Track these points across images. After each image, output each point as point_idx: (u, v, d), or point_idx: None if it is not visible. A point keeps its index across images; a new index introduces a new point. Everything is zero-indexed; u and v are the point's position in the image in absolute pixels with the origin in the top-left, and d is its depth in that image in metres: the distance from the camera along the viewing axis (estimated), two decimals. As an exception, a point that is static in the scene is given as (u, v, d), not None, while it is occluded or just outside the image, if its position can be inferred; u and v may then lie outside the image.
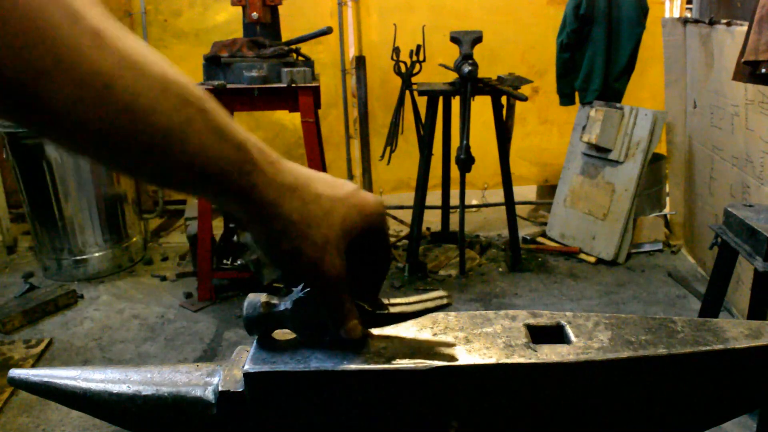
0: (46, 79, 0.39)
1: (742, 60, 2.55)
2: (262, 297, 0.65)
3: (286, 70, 3.34)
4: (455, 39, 3.76)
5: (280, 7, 3.58)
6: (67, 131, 0.42)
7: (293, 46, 3.54)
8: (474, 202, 5.19)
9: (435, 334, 0.67)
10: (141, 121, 0.43)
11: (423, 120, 4.16)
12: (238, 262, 3.72)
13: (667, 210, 4.46)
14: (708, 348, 0.63)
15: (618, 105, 4.10)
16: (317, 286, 0.58)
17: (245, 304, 0.65)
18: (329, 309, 0.61)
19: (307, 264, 0.56)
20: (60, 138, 0.43)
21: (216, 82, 3.31)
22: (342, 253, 0.57)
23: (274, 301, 0.65)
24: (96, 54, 0.41)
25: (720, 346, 0.64)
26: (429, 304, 0.65)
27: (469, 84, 3.63)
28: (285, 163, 0.55)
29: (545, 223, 4.63)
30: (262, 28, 3.53)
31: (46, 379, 0.67)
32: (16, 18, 0.37)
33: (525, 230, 4.60)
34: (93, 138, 0.43)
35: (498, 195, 4.65)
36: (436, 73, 4.18)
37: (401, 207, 4.86)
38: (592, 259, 4.14)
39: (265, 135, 4.66)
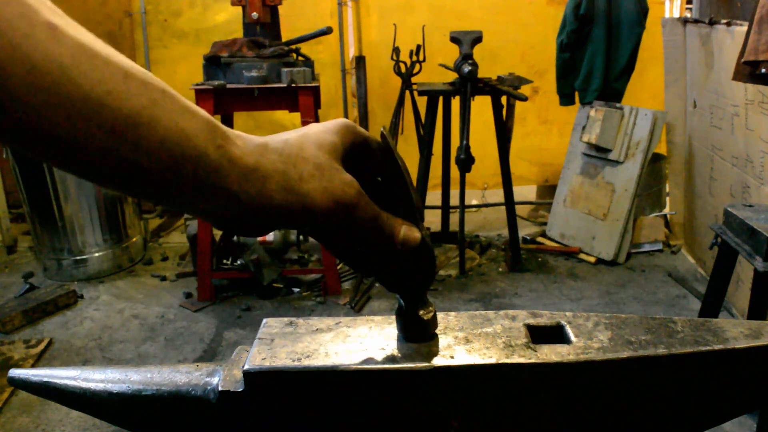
0: (2, 68, 0.38)
1: (742, 60, 2.55)
2: None
3: (286, 70, 3.34)
4: (455, 39, 3.76)
5: (280, 7, 3.58)
6: (23, 127, 0.41)
7: (293, 46, 3.55)
8: (474, 202, 5.19)
9: (437, 333, 0.67)
10: (104, 107, 0.42)
11: (423, 120, 4.16)
12: (238, 262, 3.72)
13: (667, 210, 4.46)
14: (708, 348, 0.63)
15: (618, 105, 4.11)
16: (344, 215, 0.53)
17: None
18: (368, 231, 0.55)
19: (321, 199, 0.51)
20: (16, 136, 0.42)
21: (216, 82, 3.31)
22: (343, 170, 0.53)
23: None
24: (51, 44, 0.40)
25: (720, 346, 0.64)
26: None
27: (469, 84, 3.63)
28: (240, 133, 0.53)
29: (545, 223, 4.63)
30: (262, 28, 3.53)
31: (46, 379, 0.67)
32: None
33: (525, 230, 4.60)
34: (53, 131, 0.41)
35: (498, 195, 4.65)
36: (436, 73, 4.19)
37: (401, 207, 4.85)
38: (592, 259, 4.14)
39: (265, 135, 4.67)
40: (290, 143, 0.53)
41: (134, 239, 4.24)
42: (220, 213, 0.50)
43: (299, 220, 0.52)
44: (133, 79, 0.44)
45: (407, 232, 0.58)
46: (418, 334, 0.65)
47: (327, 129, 0.55)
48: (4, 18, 0.38)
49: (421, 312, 0.65)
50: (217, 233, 3.94)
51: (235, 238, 3.88)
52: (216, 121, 0.49)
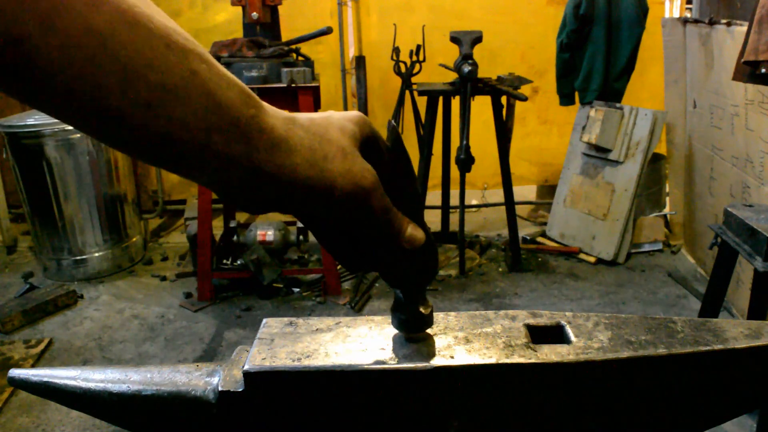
0: (32, 41, 0.36)
1: (742, 60, 2.55)
2: None
3: (286, 70, 3.34)
4: (455, 39, 3.76)
5: (280, 7, 3.58)
6: (57, 96, 0.39)
7: (293, 46, 3.54)
8: (474, 202, 5.19)
9: (435, 334, 0.67)
10: (141, 80, 0.40)
11: (423, 120, 4.16)
12: (238, 262, 3.72)
13: (667, 210, 4.46)
14: (708, 348, 0.63)
15: (618, 105, 4.11)
16: (361, 200, 0.53)
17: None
18: (379, 222, 0.55)
19: (342, 181, 0.52)
20: (50, 104, 0.40)
21: (216, 82, 3.30)
22: (362, 158, 0.54)
23: None
24: (90, 13, 0.38)
25: (720, 346, 0.64)
26: None
27: (469, 84, 3.63)
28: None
29: (545, 223, 4.63)
30: (262, 28, 3.53)
31: (46, 379, 0.67)
32: None
33: (525, 230, 4.60)
34: (86, 101, 0.40)
35: (498, 195, 4.65)
36: (436, 73, 4.19)
37: (401, 207, 4.85)
38: (592, 259, 4.14)
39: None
40: (316, 122, 0.53)
41: (134, 239, 4.24)
42: (237, 184, 0.49)
43: (316, 198, 0.52)
44: (174, 49, 0.42)
45: (413, 231, 0.59)
46: (414, 328, 0.65)
47: (348, 117, 0.56)
48: None
49: (420, 308, 0.65)
50: (217, 233, 3.94)
51: (235, 238, 3.88)
52: (249, 89, 0.49)
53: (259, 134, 0.48)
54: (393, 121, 0.61)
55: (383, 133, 0.60)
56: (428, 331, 0.68)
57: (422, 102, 4.03)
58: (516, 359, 0.61)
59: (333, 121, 0.54)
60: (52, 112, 0.41)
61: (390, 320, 0.69)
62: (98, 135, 0.44)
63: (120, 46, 0.39)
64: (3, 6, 0.35)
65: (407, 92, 4.36)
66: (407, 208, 0.60)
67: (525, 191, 5.20)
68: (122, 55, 0.39)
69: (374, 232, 0.57)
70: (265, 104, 0.50)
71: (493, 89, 3.76)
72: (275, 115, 0.50)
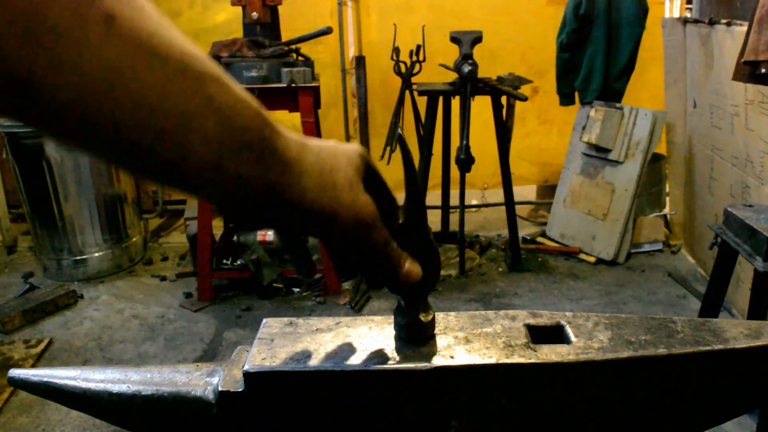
0: (41, 80, 0.35)
1: (742, 60, 2.55)
2: None
3: (286, 70, 3.34)
4: (455, 39, 3.76)
5: (280, 7, 3.58)
6: (68, 129, 0.38)
7: (293, 46, 3.54)
8: (474, 202, 5.19)
9: (435, 334, 0.67)
10: (155, 112, 0.39)
11: (423, 120, 4.16)
12: (238, 262, 3.72)
13: (667, 210, 4.46)
14: (708, 348, 0.63)
15: (618, 105, 4.11)
16: (362, 233, 0.53)
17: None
18: (377, 254, 0.56)
19: (345, 212, 0.51)
20: (60, 135, 0.39)
21: (216, 82, 3.30)
22: (365, 191, 0.54)
23: None
24: (105, 46, 0.36)
25: (720, 346, 0.64)
26: None
27: (468, 84, 3.63)
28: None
29: (545, 223, 4.63)
30: (262, 28, 3.53)
31: (46, 379, 0.67)
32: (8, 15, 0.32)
33: (525, 230, 4.60)
34: (96, 132, 0.38)
35: (498, 195, 4.65)
36: (436, 73, 4.19)
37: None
38: (592, 259, 4.14)
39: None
40: (326, 150, 0.53)
41: (134, 239, 4.24)
42: (244, 203, 0.48)
43: (319, 224, 0.52)
44: (190, 76, 0.41)
45: (411, 267, 0.59)
46: (416, 335, 0.65)
47: (352, 149, 0.56)
48: (50, 23, 0.34)
49: (420, 315, 0.65)
50: (217, 233, 3.94)
51: (235, 238, 3.88)
52: (264, 109, 0.47)
53: (271, 155, 0.47)
54: (401, 132, 0.61)
55: (381, 137, 0.61)
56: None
57: (422, 102, 4.03)
58: (516, 359, 0.61)
59: (340, 150, 0.54)
60: (61, 141, 0.40)
61: (390, 320, 0.69)
62: (105, 160, 0.43)
63: (135, 80, 0.38)
64: (7, 45, 0.33)
65: (407, 92, 4.36)
66: (412, 217, 0.60)
67: (525, 191, 5.20)
68: (137, 89, 0.38)
69: (372, 261, 0.57)
70: (278, 124, 0.49)
71: (493, 89, 3.76)
72: (287, 136, 0.50)
